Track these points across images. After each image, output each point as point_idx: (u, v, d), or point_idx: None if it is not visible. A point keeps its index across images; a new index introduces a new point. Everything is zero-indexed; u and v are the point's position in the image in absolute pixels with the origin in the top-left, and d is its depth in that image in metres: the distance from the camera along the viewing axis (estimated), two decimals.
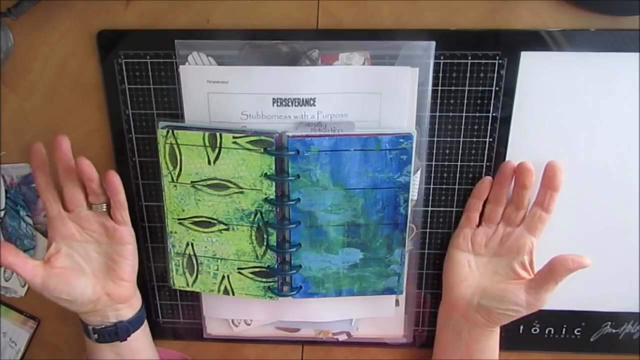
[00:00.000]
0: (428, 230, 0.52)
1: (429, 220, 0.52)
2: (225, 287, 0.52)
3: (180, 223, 0.50)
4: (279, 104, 0.46)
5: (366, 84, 0.46)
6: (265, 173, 0.47)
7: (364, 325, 0.56)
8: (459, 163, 0.50)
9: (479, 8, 0.45)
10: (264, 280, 0.51)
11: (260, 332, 0.57)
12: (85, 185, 0.48)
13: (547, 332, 0.55)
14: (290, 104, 0.46)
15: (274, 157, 0.46)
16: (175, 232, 0.51)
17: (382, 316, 0.55)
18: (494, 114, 0.48)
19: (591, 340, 0.55)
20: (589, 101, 0.47)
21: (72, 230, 0.48)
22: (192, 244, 0.51)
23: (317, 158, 0.46)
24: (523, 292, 0.45)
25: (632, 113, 0.47)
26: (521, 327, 0.55)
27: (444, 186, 0.51)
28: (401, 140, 0.46)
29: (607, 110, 0.47)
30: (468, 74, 0.46)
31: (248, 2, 0.46)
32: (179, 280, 0.53)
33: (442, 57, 0.46)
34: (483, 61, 0.46)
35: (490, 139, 0.49)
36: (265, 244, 0.49)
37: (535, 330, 0.55)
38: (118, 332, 0.50)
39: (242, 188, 0.48)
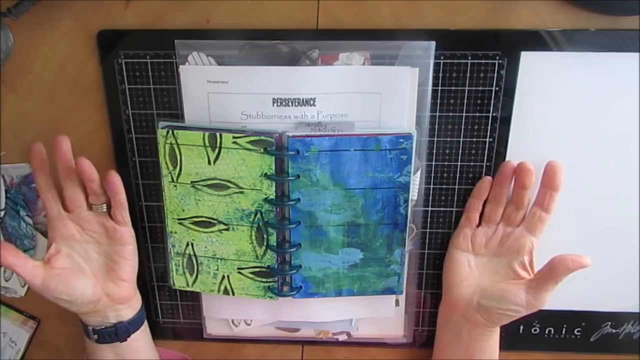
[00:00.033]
0: (428, 230, 0.52)
1: (429, 220, 0.52)
2: (225, 287, 0.52)
3: (180, 223, 0.50)
4: (279, 104, 0.46)
5: (366, 84, 0.46)
6: (265, 173, 0.47)
7: (364, 325, 0.56)
8: (459, 163, 0.50)
9: (479, 8, 0.45)
10: (264, 280, 0.51)
11: (260, 332, 0.57)
12: (85, 186, 0.48)
13: (547, 332, 0.55)
14: (290, 104, 0.46)
15: (274, 157, 0.46)
16: (175, 232, 0.51)
17: (382, 316, 0.55)
18: (494, 114, 0.48)
19: (591, 340, 0.55)
20: (589, 101, 0.47)
21: (72, 230, 0.48)
22: (192, 244, 0.51)
23: (317, 158, 0.46)
24: (523, 292, 0.45)
25: (632, 113, 0.47)
26: (521, 327, 0.55)
27: (444, 186, 0.51)
28: (401, 140, 0.46)
29: (607, 110, 0.47)
30: (468, 74, 0.46)
31: (248, 2, 0.46)
32: (179, 280, 0.53)
33: (442, 57, 0.46)
34: (483, 61, 0.46)
35: (490, 139, 0.49)
36: (265, 244, 0.49)
37: (535, 330, 0.55)
38: (118, 333, 0.50)
39: (242, 188, 0.48)
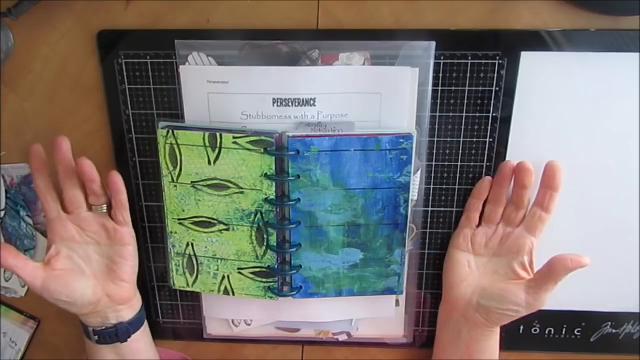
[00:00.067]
0: (428, 230, 0.52)
1: (429, 220, 0.52)
2: (225, 287, 0.52)
3: (180, 223, 0.50)
4: (279, 104, 0.46)
5: (366, 84, 0.46)
6: (265, 173, 0.47)
7: (364, 325, 0.56)
8: (459, 163, 0.50)
9: (479, 8, 0.45)
10: (264, 280, 0.51)
11: (260, 332, 0.57)
12: (85, 186, 0.47)
13: (547, 332, 0.55)
14: (290, 104, 0.46)
15: (274, 157, 0.46)
16: (175, 232, 0.51)
17: (382, 316, 0.55)
18: (494, 114, 0.48)
19: (591, 340, 0.55)
20: (589, 101, 0.47)
21: (72, 231, 0.48)
22: (192, 244, 0.51)
23: (317, 158, 0.46)
24: (522, 292, 0.45)
25: (632, 113, 0.47)
26: (521, 327, 0.55)
27: (444, 186, 0.51)
28: (401, 140, 0.46)
29: (607, 110, 0.47)
30: (468, 74, 0.46)
31: (248, 2, 0.46)
32: (179, 280, 0.53)
33: (442, 57, 0.46)
34: (483, 61, 0.46)
35: (490, 139, 0.49)
36: (265, 244, 0.49)
37: (535, 330, 0.55)
38: (118, 333, 0.50)
39: (242, 188, 0.48)
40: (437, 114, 0.48)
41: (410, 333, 0.57)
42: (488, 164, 0.49)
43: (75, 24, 0.47)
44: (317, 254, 0.50)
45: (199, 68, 0.46)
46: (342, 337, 0.57)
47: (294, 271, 0.50)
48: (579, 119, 0.48)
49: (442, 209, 0.51)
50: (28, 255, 0.56)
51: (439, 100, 0.47)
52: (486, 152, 0.49)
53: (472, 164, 0.50)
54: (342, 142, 0.46)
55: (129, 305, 0.51)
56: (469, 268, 0.50)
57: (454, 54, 0.46)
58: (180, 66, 0.46)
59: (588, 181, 0.49)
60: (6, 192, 0.55)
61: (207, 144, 0.47)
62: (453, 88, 0.47)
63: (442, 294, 0.53)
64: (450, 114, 0.48)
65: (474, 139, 0.49)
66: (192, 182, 0.48)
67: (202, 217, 0.50)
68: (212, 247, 0.51)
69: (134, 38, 0.47)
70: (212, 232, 0.50)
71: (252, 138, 0.46)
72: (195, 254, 0.51)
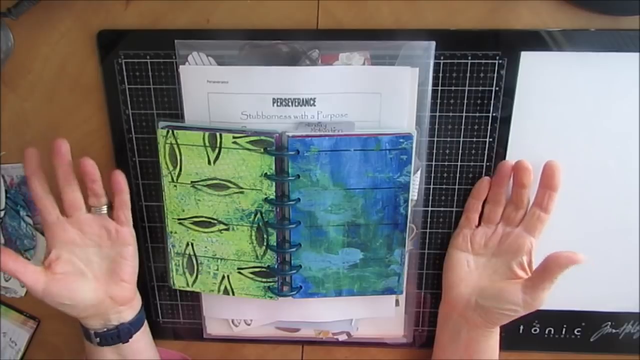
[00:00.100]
0: (428, 230, 0.52)
1: (429, 220, 0.52)
2: (225, 287, 0.52)
3: (180, 223, 0.50)
4: (279, 104, 0.46)
5: (366, 84, 0.46)
6: (265, 173, 0.47)
7: (364, 325, 0.56)
8: (459, 163, 0.50)
9: (479, 8, 0.45)
10: (264, 280, 0.51)
11: (260, 332, 0.57)
12: (84, 188, 0.47)
13: (547, 332, 0.55)
14: (290, 104, 0.46)
15: (274, 157, 0.46)
16: (175, 232, 0.51)
17: (382, 316, 0.55)
18: (494, 114, 0.48)
19: (591, 340, 0.55)
20: (589, 101, 0.47)
21: (72, 235, 0.48)
22: (192, 244, 0.51)
23: (317, 158, 0.46)
24: (520, 292, 0.45)
25: (632, 113, 0.47)
26: (521, 327, 0.55)
27: (444, 186, 0.51)
28: (401, 140, 0.46)
29: (607, 110, 0.47)
30: (468, 74, 0.46)
31: (248, 2, 0.46)
32: (179, 280, 0.53)
33: (442, 57, 0.46)
34: (483, 61, 0.46)
35: (490, 139, 0.49)
36: (265, 244, 0.49)
37: (535, 330, 0.55)
38: (120, 334, 0.50)
39: (242, 188, 0.48)
40: (437, 114, 0.48)
41: (410, 333, 0.57)
42: (488, 164, 0.49)
43: (75, 24, 0.47)
44: (317, 254, 0.50)
45: (199, 68, 0.46)
46: (342, 337, 0.57)
47: (294, 271, 0.50)
48: (579, 119, 0.48)
49: (442, 209, 0.51)
50: (28, 255, 0.56)
51: (439, 100, 0.47)
52: (486, 152, 0.49)
53: (472, 164, 0.50)
54: (342, 142, 0.46)
55: (130, 306, 0.51)
56: (468, 268, 0.50)
57: (454, 54, 0.46)
58: (180, 66, 0.46)
59: (588, 181, 0.49)
60: (6, 192, 0.55)
61: (207, 144, 0.47)
62: (453, 88, 0.47)
63: (442, 294, 0.53)
64: (450, 114, 0.48)
65: (474, 139, 0.49)
66: (192, 182, 0.48)
67: (202, 217, 0.50)
68: (212, 247, 0.51)
69: (134, 38, 0.47)
70: (212, 232, 0.50)
71: (252, 138, 0.46)
72: (195, 254, 0.51)
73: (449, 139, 0.49)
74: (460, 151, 0.49)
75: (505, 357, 0.55)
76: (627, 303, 0.54)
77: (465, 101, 0.47)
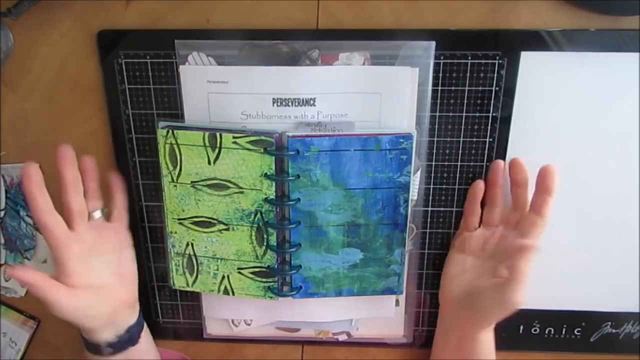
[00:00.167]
0: (428, 230, 0.52)
1: (429, 220, 0.52)
2: (225, 287, 0.52)
3: (180, 223, 0.50)
4: (279, 104, 0.46)
5: (366, 84, 0.46)
6: (265, 173, 0.47)
7: (364, 325, 0.56)
8: (459, 163, 0.50)
9: (479, 8, 0.45)
10: (264, 280, 0.51)
11: (260, 332, 0.57)
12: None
13: (547, 332, 0.55)
14: (290, 104, 0.46)
15: (274, 157, 0.46)
16: (175, 232, 0.51)
17: (382, 316, 0.55)
18: (494, 114, 0.48)
19: (591, 340, 0.55)
20: (589, 101, 0.47)
21: (83, 246, 0.45)
22: (192, 244, 0.51)
23: (317, 158, 0.46)
24: (495, 291, 0.45)
25: (632, 113, 0.47)
26: (521, 327, 0.55)
27: (444, 186, 0.51)
28: (401, 140, 0.46)
29: (607, 110, 0.47)
30: (468, 74, 0.46)
31: (248, 2, 0.46)
32: (179, 280, 0.53)
33: (442, 57, 0.46)
34: (483, 61, 0.46)
35: (490, 139, 0.49)
36: (265, 244, 0.49)
37: (535, 330, 0.55)
38: (132, 337, 0.49)
39: (242, 188, 0.48)
40: (437, 114, 0.48)
41: (410, 333, 0.57)
42: (488, 164, 0.49)
43: (75, 24, 0.47)
44: (317, 254, 0.50)
45: (199, 68, 0.46)
46: (342, 337, 0.57)
47: (294, 271, 0.50)
48: (579, 119, 0.48)
49: (442, 209, 0.51)
50: (28, 255, 0.56)
51: (439, 100, 0.47)
52: (486, 152, 0.49)
53: (472, 164, 0.50)
54: (342, 142, 0.46)
55: (134, 307, 0.51)
56: (463, 269, 0.50)
57: (454, 54, 0.46)
58: (180, 66, 0.46)
59: (588, 181, 0.49)
60: (6, 192, 0.55)
61: (207, 144, 0.47)
62: (453, 88, 0.47)
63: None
64: (450, 114, 0.48)
65: (474, 139, 0.49)
66: (192, 182, 0.48)
67: (202, 217, 0.50)
68: (212, 247, 0.51)
69: (134, 38, 0.47)
70: (212, 232, 0.50)
71: (252, 138, 0.46)
72: (195, 254, 0.51)
73: (449, 139, 0.49)
74: (460, 151, 0.49)
75: (505, 357, 0.55)
76: (627, 303, 0.54)
77: (465, 101, 0.47)
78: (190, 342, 0.59)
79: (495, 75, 0.46)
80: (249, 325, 0.57)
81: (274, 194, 0.47)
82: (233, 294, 0.52)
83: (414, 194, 0.50)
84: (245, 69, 0.46)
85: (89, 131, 0.51)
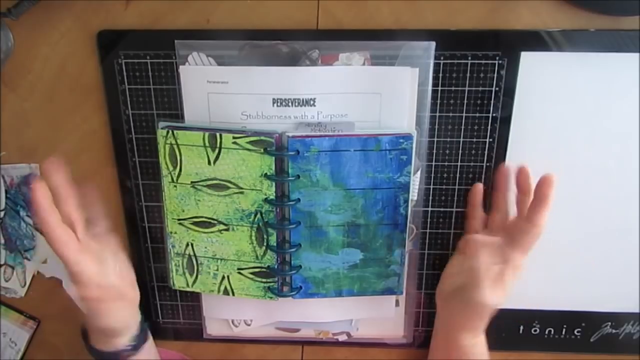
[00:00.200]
0: (428, 230, 0.52)
1: (429, 220, 0.52)
2: (225, 288, 0.52)
3: (180, 223, 0.50)
4: (279, 104, 0.46)
5: (366, 84, 0.46)
6: (265, 173, 0.47)
7: (364, 326, 0.56)
8: (459, 163, 0.50)
9: (479, 8, 0.45)
10: (264, 280, 0.51)
11: (260, 332, 0.57)
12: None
13: (547, 332, 0.55)
14: (290, 104, 0.46)
15: (274, 158, 0.46)
16: (175, 233, 0.51)
17: (382, 316, 0.55)
18: (494, 114, 0.48)
19: (591, 340, 0.55)
20: (589, 101, 0.47)
21: (91, 254, 0.44)
22: (192, 244, 0.51)
23: (317, 158, 0.46)
24: (464, 290, 0.45)
25: (632, 113, 0.47)
26: (521, 327, 0.55)
27: (444, 186, 0.51)
28: (401, 140, 0.46)
29: (607, 110, 0.47)
30: (468, 74, 0.46)
31: (248, 2, 0.46)
32: (179, 281, 0.53)
33: (442, 57, 0.46)
34: (483, 61, 0.46)
35: (490, 139, 0.49)
36: (265, 244, 0.49)
37: (535, 330, 0.55)
38: (146, 335, 0.50)
39: (242, 188, 0.48)
40: (437, 114, 0.48)
41: (410, 333, 0.57)
42: (488, 164, 0.49)
43: (75, 24, 0.47)
44: (317, 254, 0.50)
45: (199, 68, 0.46)
46: (342, 338, 0.57)
47: (294, 271, 0.50)
48: (579, 119, 0.48)
49: (442, 209, 0.51)
50: (28, 255, 0.56)
51: (439, 101, 0.47)
52: (486, 152, 0.49)
53: (472, 164, 0.50)
54: (342, 143, 0.46)
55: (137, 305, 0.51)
56: (460, 269, 0.49)
57: (454, 54, 0.46)
58: (180, 66, 0.46)
59: (588, 181, 0.49)
60: (6, 192, 0.55)
61: (207, 144, 0.47)
62: (453, 88, 0.47)
63: None
64: (450, 114, 0.48)
65: (474, 139, 0.49)
66: (192, 182, 0.48)
67: (202, 217, 0.49)
68: (212, 247, 0.51)
69: (134, 38, 0.47)
70: (212, 232, 0.50)
71: (252, 138, 0.46)
72: (195, 254, 0.51)
73: (449, 139, 0.49)
74: (460, 151, 0.49)
75: (505, 357, 0.55)
76: (627, 303, 0.54)
77: (465, 101, 0.47)
78: (190, 342, 0.59)
79: (495, 75, 0.46)
80: (249, 325, 0.57)
81: (274, 194, 0.47)
82: (233, 294, 0.52)
83: (414, 194, 0.50)
84: (245, 69, 0.46)
85: (89, 131, 0.51)
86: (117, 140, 0.51)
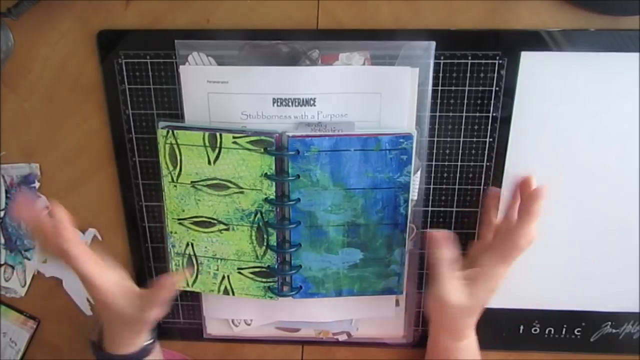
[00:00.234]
0: (428, 230, 0.52)
1: (429, 220, 0.52)
2: (225, 287, 0.52)
3: (180, 223, 0.50)
4: (279, 104, 0.46)
5: (366, 84, 0.46)
6: (265, 173, 0.47)
7: (364, 325, 0.56)
8: (459, 163, 0.50)
9: (479, 8, 0.45)
10: (264, 280, 0.51)
11: (260, 332, 0.57)
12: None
13: (547, 332, 0.55)
14: (290, 104, 0.46)
15: (274, 157, 0.46)
16: (175, 232, 0.51)
17: (382, 316, 0.55)
18: (494, 114, 0.48)
19: (591, 340, 0.55)
20: (589, 101, 0.47)
21: (97, 262, 0.46)
22: (192, 244, 0.51)
23: (317, 158, 0.46)
24: (437, 287, 0.45)
25: (632, 113, 0.47)
26: (521, 327, 0.55)
27: (444, 186, 0.51)
28: (401, 140, 0.46)
29: (607, 110, 0.47)
30: (468, 74, 0.46)
31: (248, 2, 0.46)
32: (179, 281, 0.53)
33: (442, 57, 0.46)
34: (483, 61, 0.46)
35: (490, 139, 0.49)
36: (265, 244, 0.49)
37: (535, 330, 0.55)
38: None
39: (242, 188, 0.48)
40: (437, 114, 0.48)
41: (410, 333, 0.57)
42: (488, 164, 0.49)
43: (75, 24, 0.47)
44: (317, 254, 0.50)
45: (199, 68, 0.46)
46: (342, 337, 0.57)
47: (294, 271, 0.50)
48: (579, 119, 0.47)
49: (442, 209, 0.51)
50: (28, 255, 0.56)
51: (439, 100, 0.47)
52: (486, 152, 0.49)
53: (472, 163, 0.50)
54: (342, 142, 0.46)
55: None
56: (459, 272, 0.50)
57: (454, 54, 0.46)
58: (180, 66, 0.46)
59: (588, 181, 0.49)
60: (6, 192, 0.55)
61: (207, 144, 0.47)
62: (453, 88, 0.47)
63: None
64: (450, 114, 0.48)
65: (474, 139, 0.49)
66: (192, 182, 0.48)
67: (202, 217, 0.50)
68: (212, 247, 0.51)
69: (134, 38, 0.47)
70: (212, 232, 0.50)
71: (252, 138, 0.46)
72: (195, 254, 0.51)
73: (449, 139, 0.49)
74: (460, 151, 0.49)
75: (505, 357, 0.55)
76: (627, 303, 0.53)
77: (465, 101, 0.47)
78: (190, 342, 0.59)
79: (495, 75, 0.46)
80: (249, 325, 0.57)
81: (274, 194, 0.47)
82: (233, 294, 0.52)
83: (414, 194, 0.50)
84: (245, 69, 0.46)
85: (89, 131, 0.51)
86: (117, 140, 0.51)
